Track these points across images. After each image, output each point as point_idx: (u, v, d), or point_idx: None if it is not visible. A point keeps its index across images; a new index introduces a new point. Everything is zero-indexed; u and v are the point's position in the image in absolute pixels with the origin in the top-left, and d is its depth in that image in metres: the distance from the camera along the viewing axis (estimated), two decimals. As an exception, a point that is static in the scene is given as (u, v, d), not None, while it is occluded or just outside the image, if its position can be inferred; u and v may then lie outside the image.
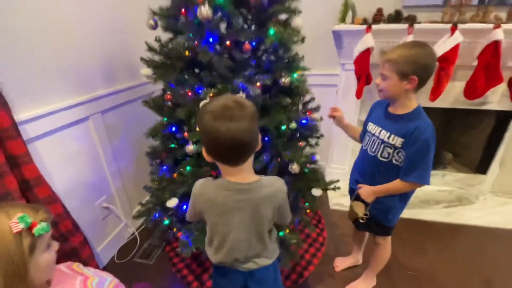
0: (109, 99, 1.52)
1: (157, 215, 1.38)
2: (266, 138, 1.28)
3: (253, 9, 1.12)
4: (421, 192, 2.16)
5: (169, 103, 1.24)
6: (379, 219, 1.18)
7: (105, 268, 1.54)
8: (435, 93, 1.78)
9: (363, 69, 1.79)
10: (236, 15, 1.07)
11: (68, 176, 1.32)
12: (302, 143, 1.58)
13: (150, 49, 1.21)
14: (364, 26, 1.70)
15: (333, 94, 2.15)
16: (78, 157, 1.37)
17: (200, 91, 1.13)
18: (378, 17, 1.80)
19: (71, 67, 1.28)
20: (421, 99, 1.96)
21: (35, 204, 0.74)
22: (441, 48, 1.63)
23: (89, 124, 1.42)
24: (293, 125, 1.23)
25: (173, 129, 1.25)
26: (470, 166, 2.27)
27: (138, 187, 1.80)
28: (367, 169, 1.15)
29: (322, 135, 1.62)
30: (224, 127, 0.60)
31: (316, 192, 1.42)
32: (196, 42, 1.09)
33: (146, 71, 1.22)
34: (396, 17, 1.77)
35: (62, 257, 1.13)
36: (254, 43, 1.15)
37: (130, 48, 1.64)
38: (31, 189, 0.98)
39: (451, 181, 2.24)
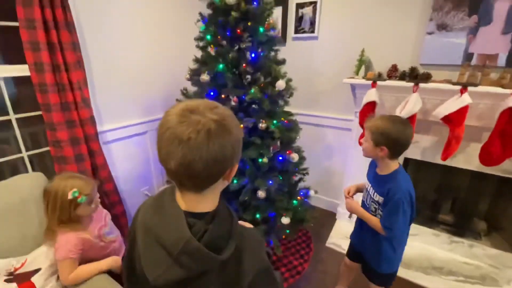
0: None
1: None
2: (247, 167, 1.65)
3: (244, 74, 1.55)
4: (436, 258, 1.98)
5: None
6: (375, 266, 1.27)
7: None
8: (444, 153, 1.71)
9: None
10: (229, 79, 1.52)
11: (126, 167, 2.04)
12: (294, 176, 1.86)
13: (183, 93, 1.81)
14: (370, 81, 1.85)
15: (348, 136, 2.27)
16: (135, 157, 2.08)
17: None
18: (391, 73, 1.90)
19: (141, 99, 2.02)
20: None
21: (91, 179, 1.21)
22: (446, 108, 1.61)
23: (147, 136, 2.13)
24: (265, 160, 1.56)
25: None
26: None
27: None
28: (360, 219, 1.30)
29: (307, 173, 1.86)
30: None
31: (284, 220, 1.67)
32: (204, 94, 1.61)
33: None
34: (411, 74, 1.83)
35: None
36: (244, 97, 1.57)
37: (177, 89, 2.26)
38: (98, 170, 1.68)
39: (481, 255, 1.93)
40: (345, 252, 1.59)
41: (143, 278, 0.54)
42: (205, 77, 1.49)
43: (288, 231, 1.83)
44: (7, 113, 1.45)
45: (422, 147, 1.95)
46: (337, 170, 2.46)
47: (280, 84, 1.55)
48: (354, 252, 1.47)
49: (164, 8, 2.02)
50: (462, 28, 1.65)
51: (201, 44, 1.64)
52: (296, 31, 2.24)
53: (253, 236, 0.61)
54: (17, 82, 1.54)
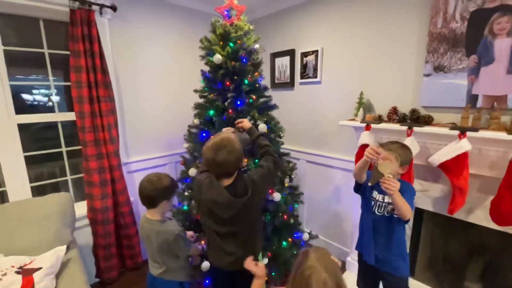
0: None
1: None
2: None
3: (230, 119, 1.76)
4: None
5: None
6: (401, 273, 1.38)
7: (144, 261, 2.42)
8: (450, 206, 1.49)
9: (360, 163, 1.83)
10: (218, 122, 1.75)
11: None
12: (286, 216, 1.89)
13: (189, 132, 2.11)
14: (364, 124, 1.81)
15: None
16: (154, 186, 2.44)
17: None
18: (391, 115, 1.82)
19: (162, 136, 2.42)
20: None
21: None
22: (443, 155, 1.45)
23: (166, 168, 2.48)
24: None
25: (187, 181, 2.03)
26: None
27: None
28: (377, 224, 1.40)
29: (295, 215, 1.85)
30: None
31: (263, 260, 1.67)
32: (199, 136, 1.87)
33: (186, 145, 2.10)
34: (411, 117, 1.73)
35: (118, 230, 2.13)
36: (230, 137, 1.76)
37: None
38: (117, 195, 2.05)
39: None
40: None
41: (215, 215, 1.21)
42: (196, 121, 1.76)
43: (273, 273, 1.80)
44: (61, 147, 1.98)
45: (433, 197, 1.72)
46: (346, 214, 2.31)
47: (261, 127, 1.70)
48: (369, 281, 1.55)
49: (179, 68, 2.49)
50: (461, 69, 1.53)
51: (204, 94, 1.94)
52: (302, 77, 2.39)
53: (255, 172, 1.25)
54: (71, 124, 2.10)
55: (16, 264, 1.32)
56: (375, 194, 1.41)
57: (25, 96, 1.87)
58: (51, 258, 1.38)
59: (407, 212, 1.23)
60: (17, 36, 1.78)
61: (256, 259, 1.31)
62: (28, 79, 1.86)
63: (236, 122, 1.50)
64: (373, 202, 1.41)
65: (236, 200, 1.15)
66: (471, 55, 1.49)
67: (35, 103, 1.92)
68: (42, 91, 1.93)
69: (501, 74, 1.41)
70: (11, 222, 1.48)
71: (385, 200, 1.37)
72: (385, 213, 1.37)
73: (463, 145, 1.38)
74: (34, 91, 1.91)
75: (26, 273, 1.29)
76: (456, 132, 1.43)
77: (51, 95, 1.95)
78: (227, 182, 1.18)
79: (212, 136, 1.22)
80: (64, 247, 1.46)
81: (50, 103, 1.96)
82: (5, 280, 1.24)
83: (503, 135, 1.30)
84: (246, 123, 1.48)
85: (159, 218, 1.34)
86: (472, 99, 1.51)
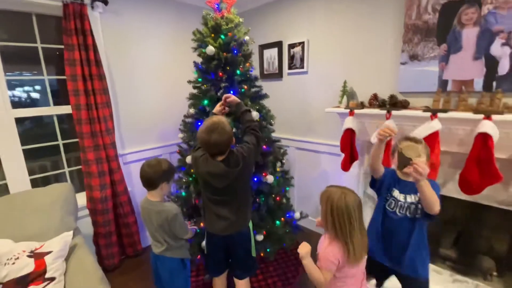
0: (175, 147, 2.63)
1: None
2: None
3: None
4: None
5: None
6: (420, 273, 1.30)
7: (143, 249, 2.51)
8: (424, 179, 1.66)
9: (345, 147, 1.98)
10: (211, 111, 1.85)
11: (143, 185, 2.47)
12: (279, 198, 2.02)
13: (184, 123, 2.19)
14: (347, 110, 1.95)
15: (340, 162, 2.31)
16: (151, 176, 2.51)
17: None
18: (372, 101, 1.97)
19: (156, 128, 2.49)
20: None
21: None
22: (417, 134, 1.61)
23: (161, 159, 2.55)
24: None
25: (183, 169, 2.12)
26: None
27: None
28: (397, 225, 1.31)
29: (285, 196, 1.98)
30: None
31: (258, 236, 1.81)
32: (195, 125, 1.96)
33: (181, 135, 2.19)
34: (390, 102, 1.88)
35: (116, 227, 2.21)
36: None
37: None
38: (115, 185, 2.12)
39: (489, 299, 1.69)
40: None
41: (212, 186, 1.36)
42: (192, 111, 1.85)
43: (268, 249, 1.94)
44: (57, 140, 2.02)
45: (410, 174, 1.90)
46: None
47: (254, 115, 1.80)
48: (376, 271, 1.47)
49: (172, 61, 2.55)
50: (433, 57, 1.69)
51: (197, 85, 2.02)
52: (290, 68, 2.51)
53: (242, 148, 1.38)
54: (67, 117, 2.14)
55: (27, 249, 1.39)
56: (397, 193, 1.33)
57: (19, 91, 1.89)
58: (59, 243, 1.46)
59: (435, 203, 1.13)
60: (8, 31, 1.79)
61: (248, 227, 1.49)
62: (21, 74, 1.88)
63: (224, 96, 1.56)
64: (393, 203, 1.33)
65: (231, 170, 1.31)
66: (442, 44, 1.65)
67: (29, 97, 1.94)
68: (27, 87, 1.95)
69: (468, 60, 1.57)
70: (18, 211, 1.54)
71: (407, 200, 1.28)
72: (407, 214, 1.28)
73: (434, 125, 1.55)
74: (27, 86, 1.93)
75: (37, 256, 1.37)
76: (428, 114, 1.59)
77: (45, 89, 1.97)
78: (220, 158, 1.33)
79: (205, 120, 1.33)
80: (71, 232, 1.54)
81: (40, 97, 1.98)
82: (18, 263, 1.31)
83: (469, 115, 1.47)
84: (234, 98, 1.56)
85: (159, 199, 1.44)
86: (443, 84, 1.68)
